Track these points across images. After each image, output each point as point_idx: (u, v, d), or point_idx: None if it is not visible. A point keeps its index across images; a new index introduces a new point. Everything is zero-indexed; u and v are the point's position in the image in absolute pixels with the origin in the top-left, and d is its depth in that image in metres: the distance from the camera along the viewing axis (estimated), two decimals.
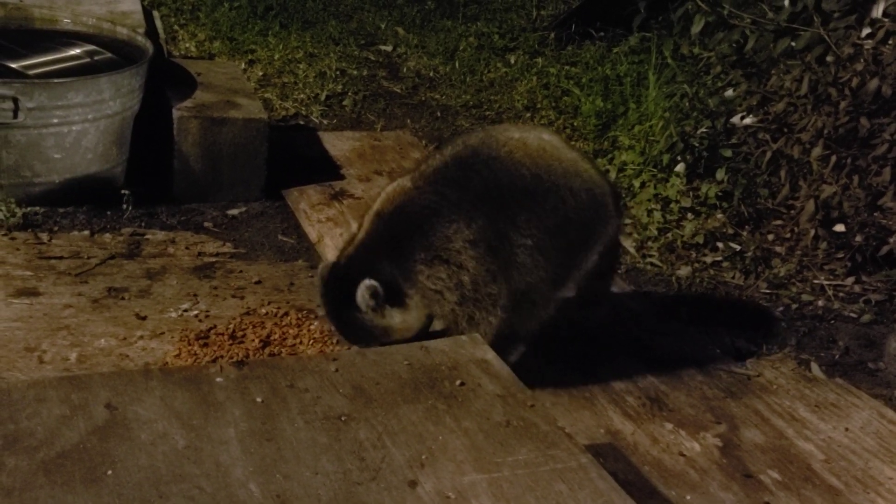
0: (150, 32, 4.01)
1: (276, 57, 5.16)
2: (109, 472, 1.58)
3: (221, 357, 2.68)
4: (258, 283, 3.16)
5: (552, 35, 5.77)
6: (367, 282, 2.48)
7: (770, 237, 3.81)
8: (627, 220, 3.90)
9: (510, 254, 2.59)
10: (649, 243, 3.73)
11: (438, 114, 4.87)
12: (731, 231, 3.82)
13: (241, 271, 3.23)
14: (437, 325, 2.69)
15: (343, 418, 1.79)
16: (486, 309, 2.59)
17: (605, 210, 2.69)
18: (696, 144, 4.02)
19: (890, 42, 3.37)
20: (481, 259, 2.55)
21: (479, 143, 2.65)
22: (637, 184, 4.05)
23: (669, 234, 3.76)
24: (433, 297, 2.55)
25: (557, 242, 2.64)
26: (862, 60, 3.41)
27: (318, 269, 2.69)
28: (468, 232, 2.53)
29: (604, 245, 2.71)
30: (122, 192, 3.51)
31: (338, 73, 5.10)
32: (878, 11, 3.45)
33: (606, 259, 2.76)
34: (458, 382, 1.95)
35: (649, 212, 3.87)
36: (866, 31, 3.45)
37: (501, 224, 2.57)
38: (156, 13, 4.61)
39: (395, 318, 2.56)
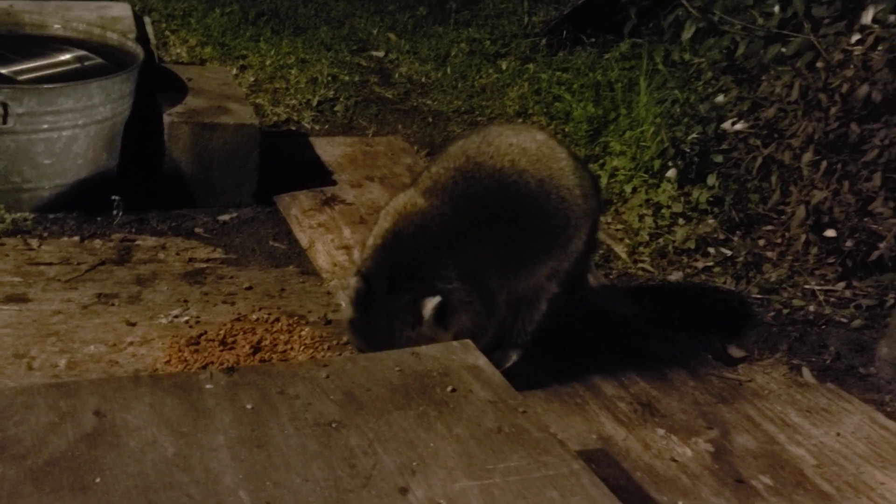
0: (141, 38, 3.99)
1: (268, 62, 5.15)
2: (98, 479, 1.57)
3: (212, 363, 2.67)
4: (249, 288, 3.15)
5: (543, 41, 5.77)
6: (437, 298, 2.47)
7: (761, 242, 3.81)
8: (619, 226, 3.90)
9: (521, 261, 2.63)
10: (641, 248, 3.73)
11: (430, 119, 4.87)
12: (722, 236, 3.82)
13: (231, 277, 3.22)
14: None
15: (334, 425, 1.78)
16: (495, 318, 2.62)
17: (593, 199, 2.79)
18: (688, 150, 4.02)
19: (879, 48, 3.38)
20: (500, 271, 2.61)
21: (479, 154, 2.67)
22: (628, 189, 4.05)
23: (661, 240, 3.77)
24: (462, 312, 2.56)
25: (559, 240, 2.69)
26: (852, 66, 3.42)
27: (349, 282, 2.62)
28: (490, 248, 2.58)
29: (590, 230, 2.81)
30: (113, 197, 3.49)
31: (329, 78, 5.09)
32: (867, 18, 3.46)
33: (591, 241, 2.87)
34: (449, 388, 1.94)
35: (641, 217, 3.87)
36: (856, 37, 3.46)
37: (514, 234, 2.62)
38: (146, 18, 4.59)
39: (436, 335, 2.51)
